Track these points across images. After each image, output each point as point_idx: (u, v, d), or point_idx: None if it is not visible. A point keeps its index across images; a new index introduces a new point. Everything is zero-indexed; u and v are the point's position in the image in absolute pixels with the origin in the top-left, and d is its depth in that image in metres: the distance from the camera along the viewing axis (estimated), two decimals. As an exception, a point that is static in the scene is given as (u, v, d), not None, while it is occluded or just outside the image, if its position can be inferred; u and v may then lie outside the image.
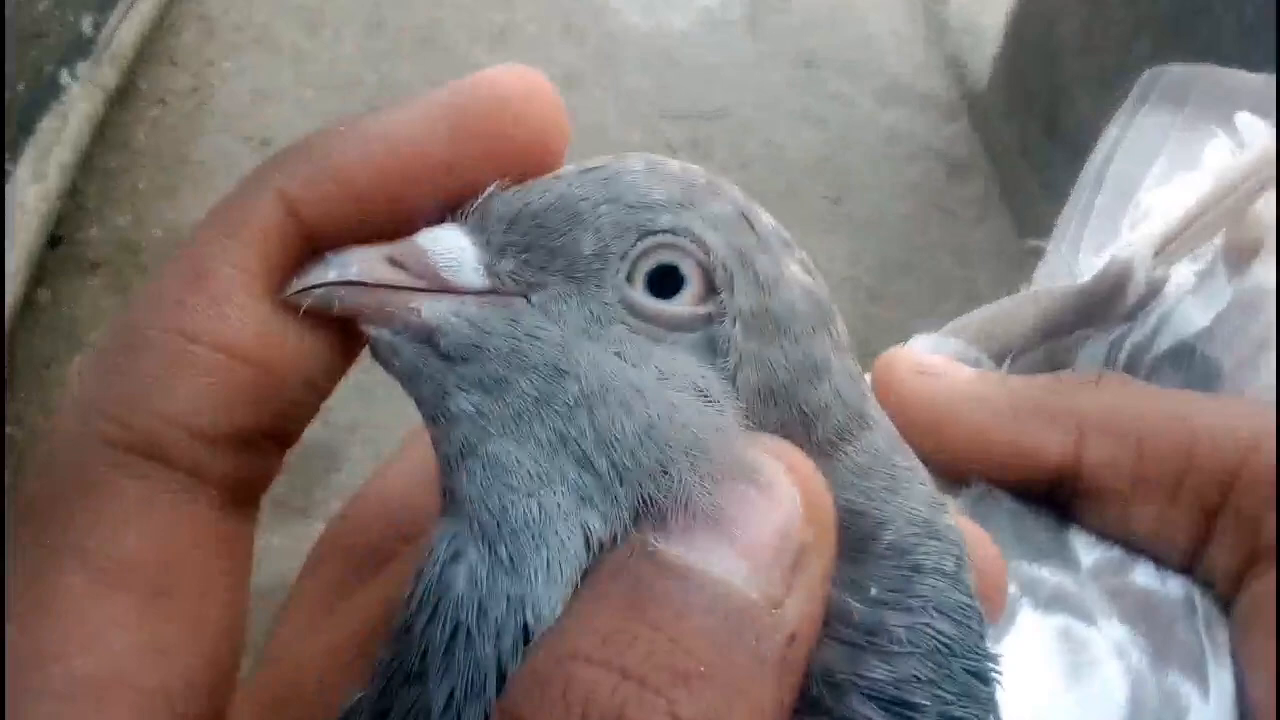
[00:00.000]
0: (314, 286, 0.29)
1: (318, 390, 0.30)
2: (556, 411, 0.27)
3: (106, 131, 2.19)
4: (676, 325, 0.28)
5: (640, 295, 0.28)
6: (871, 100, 2.60)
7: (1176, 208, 0.47)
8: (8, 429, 1.67)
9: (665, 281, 0.29)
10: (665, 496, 0.26)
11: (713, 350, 0.28)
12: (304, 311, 0.29)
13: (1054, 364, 0.44)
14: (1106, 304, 0.44)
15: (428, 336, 0.28)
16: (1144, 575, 0.37)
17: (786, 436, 0.28)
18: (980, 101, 2.54)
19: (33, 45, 2.01)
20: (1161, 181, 0.53)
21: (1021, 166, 2.25)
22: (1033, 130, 2.23)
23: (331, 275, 0.29)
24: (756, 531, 0.26)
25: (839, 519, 0.28)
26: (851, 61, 2.71)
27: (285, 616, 0.35)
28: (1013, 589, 0.35)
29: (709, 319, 0.28)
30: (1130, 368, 0.43)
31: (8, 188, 1.83)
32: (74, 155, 2.06)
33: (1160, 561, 0.38)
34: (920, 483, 0.30)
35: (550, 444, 0.27)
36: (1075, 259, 0.53)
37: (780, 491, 0.27)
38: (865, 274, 2.13)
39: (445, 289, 0.29)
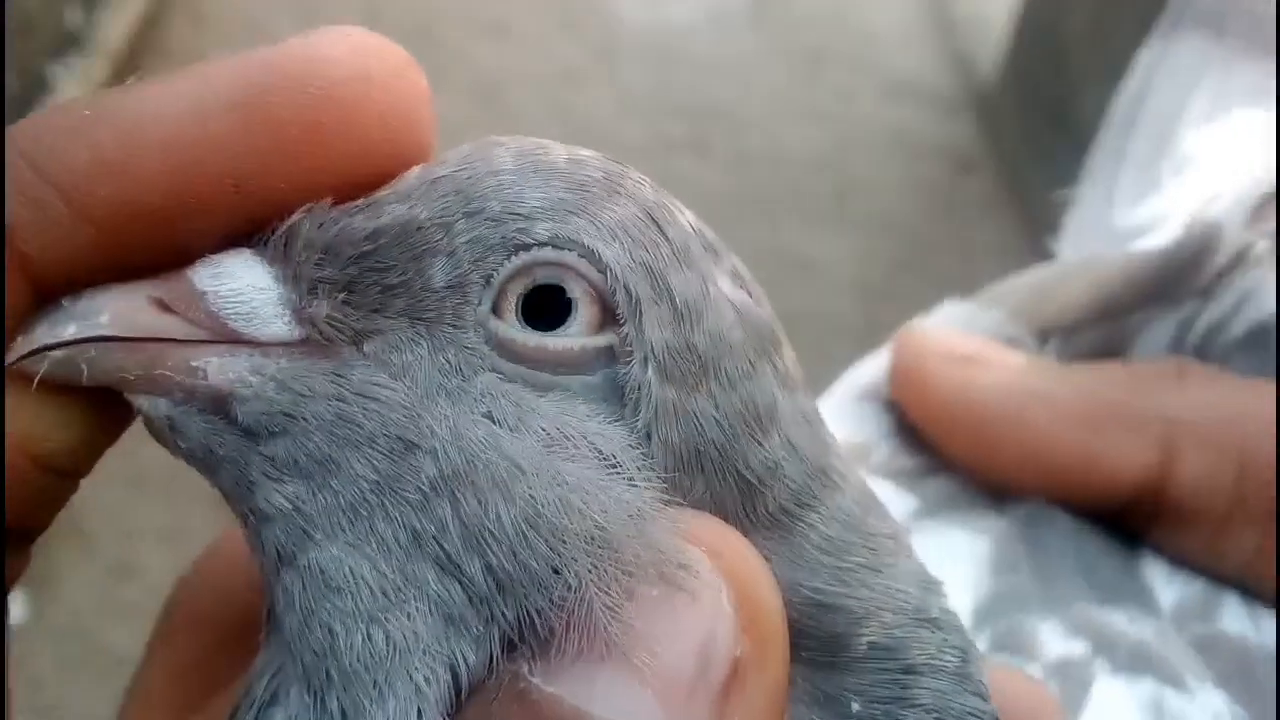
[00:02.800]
0: (49, 346, 0.21)
1: (66, 473, 0.22)
2: (406, 500, 0.21)
3: (98, 126, 2.16)
4: (566, 365, 0.21)
5: (513, 329, 0.21)
6: (876, 96, 2.57)
7: (1267, 162, 0.39)
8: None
9: (547, 309, 0.22)
10: (556, 609, 0.20)
11: (618, 398, 0.21)
12: (39, 382, 0.21)
13: (1112, 347, 0.37)
14: (1182, 277, 0.36)
15: (220, 405, 0.21)
16: (1234, 619, 0.31)
17: (721, 513, 0.22)
18: (987, 97, 2.51)
19: (23, 39, 1.98)
20: (1204, 120, 0.46)
21: (1029, 163, 2.22)
22: (1040, 126, 2.20)
23: (71, 330, 0.21)
24: (666, 651, 0.19)
25: (797, 618, 0.22)
26: (856, 57, 2.68)
27: (126, 709, 0.27)
28: (1083, 646, 0.29)
29: (610, 355, 0.21)
30: (1202, 354, 0.36)
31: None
32: (64, 150, 2.03)
33: (1249, 594, 0.32)
34: (907, 555, 0.24)
35: (400, 546, 0.20)
36: (1109, 209, 0.45)
37: (701, 591, 0.20)
38: (870, 273, 2.10)
39: (239, 340, 0.21)
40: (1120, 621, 0.30)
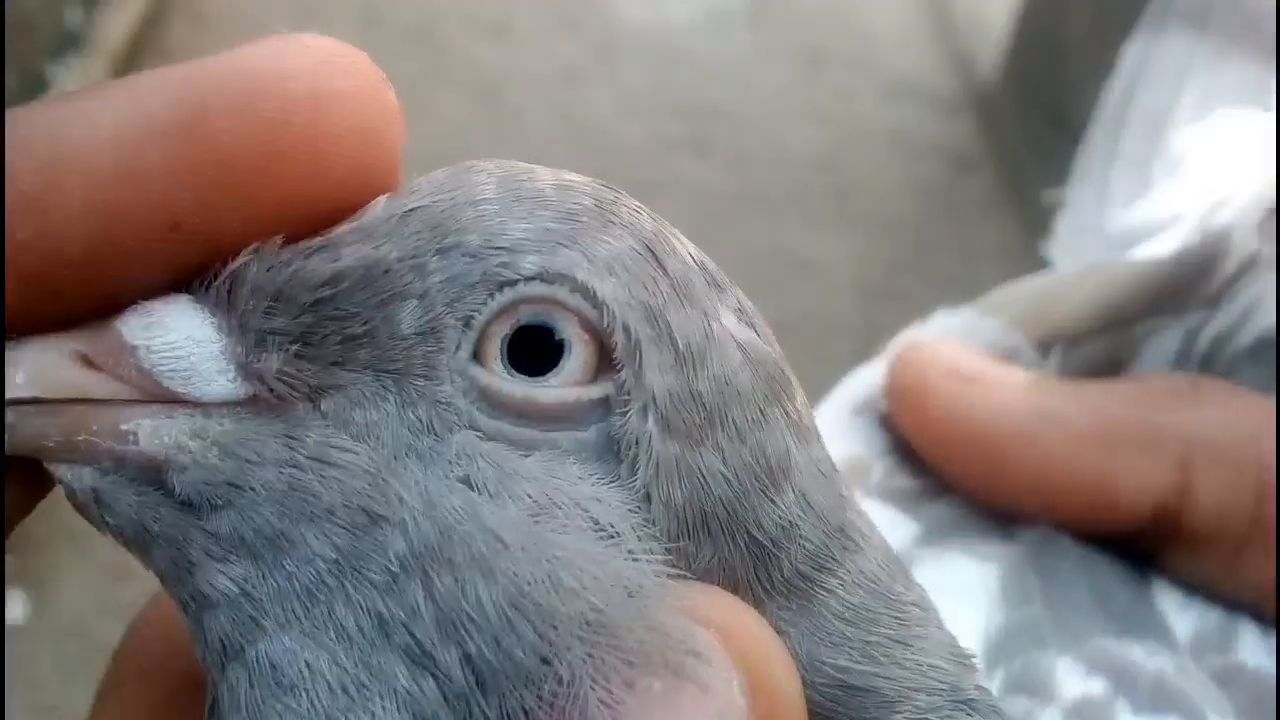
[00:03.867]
0: None
1: None
2: (371, 582, 0.18)
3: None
4: (556, 418, 0.19)
5: (497, 376, 0.19)
6: (876, 96, 2.57)
7: (1273, 166, 0.38)
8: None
9: (534, 353, 0.19)
10: (546, 707, 0.17)
11: (613, 455, 0.19)
12: None
13: (1116, 358, 0.35)
14: (1189, 285, 0.35)
15: (155, 475, 0.19)
16: (1252, 650, 0.30)
17: (731, 582, 0.19)
18: (987, 97, 2.51)
19: (23, 39, 1.97)
20: (1195, 118, 0.44)
21: (1029, 163, 2.22)
22: (1040, 126, 2.19)
23: None
24: None
25: (821, 701, 0.19)
26: (856, 57, 2.67)
27: None
28: (1102, 685, 0.28)
29: (605, 406, 0.19)
30: (1208, 364, 0.35)
31: None
32: (64, 150, 2.03)
33: (1263, 620, 0.30)
34: (936, 624, 0.22)
35: (364, 635, 0.18)
36: (1102, 210, 0.44)
37: (711, 681, 0.17)
38: (870, 273, 2.10)
39: (176, 400, 0.18)
40: (1138, 654, 0.29)
